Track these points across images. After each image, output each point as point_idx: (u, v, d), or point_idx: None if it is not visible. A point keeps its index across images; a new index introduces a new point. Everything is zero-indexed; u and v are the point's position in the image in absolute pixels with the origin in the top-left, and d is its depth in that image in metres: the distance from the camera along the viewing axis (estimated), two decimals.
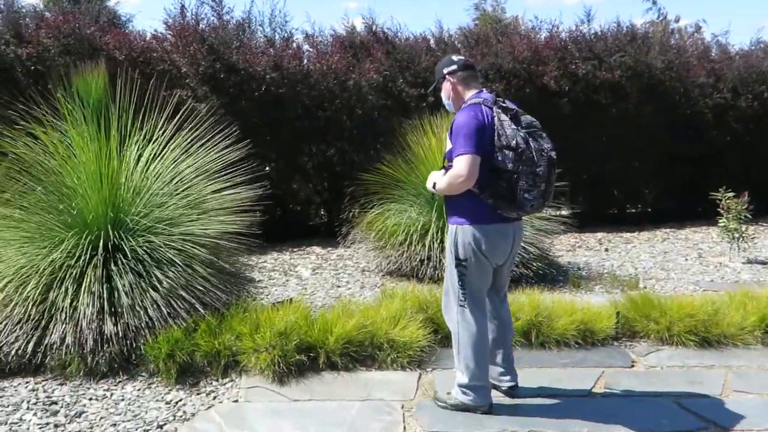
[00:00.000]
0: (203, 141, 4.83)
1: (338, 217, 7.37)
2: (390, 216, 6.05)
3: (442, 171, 3.22)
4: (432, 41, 9.45)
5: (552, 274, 6.06)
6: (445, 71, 3.26)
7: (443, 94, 3.32)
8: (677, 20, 18.99)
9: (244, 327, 3.72)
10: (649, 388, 3.61)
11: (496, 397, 3.38)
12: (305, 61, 8.39)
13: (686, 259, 7.02)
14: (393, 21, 11.96)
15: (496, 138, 3.00)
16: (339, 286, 5.78)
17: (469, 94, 3.21)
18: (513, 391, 3.43)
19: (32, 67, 7.06)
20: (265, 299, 5.29)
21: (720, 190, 6.87)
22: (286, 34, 8.98)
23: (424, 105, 8.12)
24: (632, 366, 3.93)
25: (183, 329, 3.70)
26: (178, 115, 4.88)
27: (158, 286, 3.82)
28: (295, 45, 8.70)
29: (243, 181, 4.90)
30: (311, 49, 9.06)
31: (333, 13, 29.62)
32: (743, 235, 6.79)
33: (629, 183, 10.02)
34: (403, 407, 3.36)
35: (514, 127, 3.04)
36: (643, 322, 4.30)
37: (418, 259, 5.72)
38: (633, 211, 10.65)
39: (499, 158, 2.99)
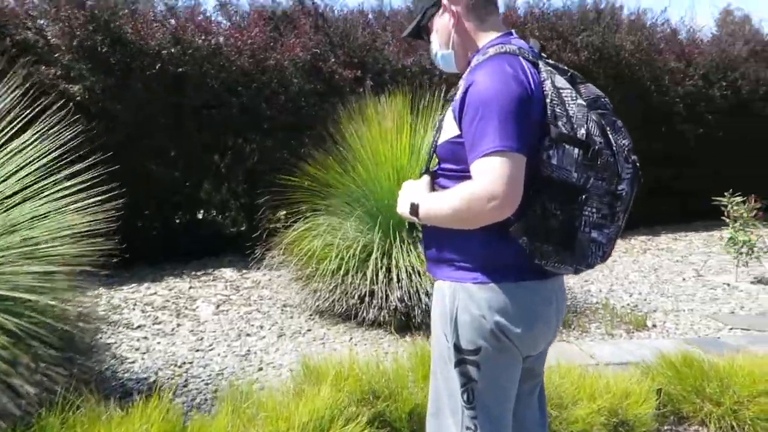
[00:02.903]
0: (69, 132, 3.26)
1: (256, 230, 5.78)
2: (319, 234, 4.48)
3: (425, 180, 1.72)
4: (371, 15, 7.97)
5: None
6: None
7: (437, 38, 1.78)
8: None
9: None
10: None
11: None
12: (216, 35, 6.72)
13: (684, 279, 5.74)
14: None
15: (549, 120, 1.53)
16: (249, 335, 4.19)
17: (488, 38, 1.70)
18: None
19: None
20: (139, 363, 3.68)
21: (726, 194, 5.58)
22: (192, 1, 7.28)
23: (362, 90, 6.62)
24: None
25: None
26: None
27: None
28: (203, 15, 7.02)
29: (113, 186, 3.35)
30: (224, 21, 7.44)
31: None
32: (753, 249, 5.53)
33: None
34: None
35: (581, 102, 1.57)
36: (695, 402, 2.91)
37: (356, 296, 4.18)
38: None
39: (554, 161, 1.51)
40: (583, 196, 1.52)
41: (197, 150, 6.68)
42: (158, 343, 4.04)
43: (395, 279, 4.10)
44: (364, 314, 4.17)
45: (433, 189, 1.70)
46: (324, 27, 7.04)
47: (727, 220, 5.59)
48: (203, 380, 3.42)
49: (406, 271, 4.09)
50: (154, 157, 6.55)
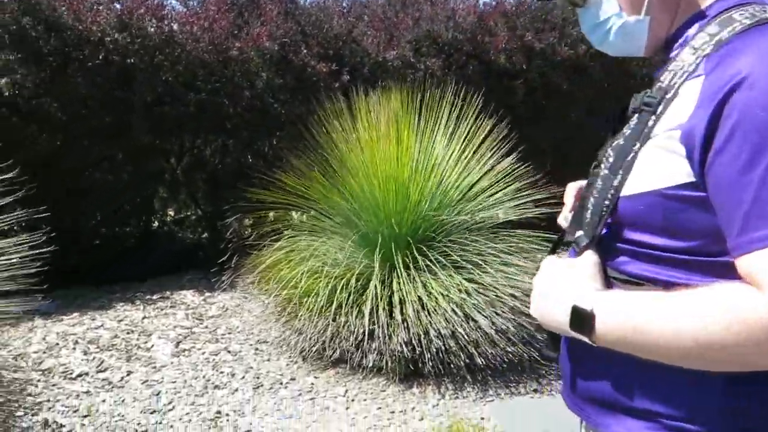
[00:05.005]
0: None
1: (222, 245, 4.89)
2: (302, 259, 3.70)
3: (590, 261, 0.92)
4: (346, 3, 7.18)
5: None
6: None
7: None
8: None
9: None
10: None
11: None
12: (168, 20, 5.84)
13: None
14: None
15: None
16: (217, 387, 3.39)
17: None
18: None
19: None
20: None
21: None
22: None
23: (337, 85, 5.84)
24: None
25: None
26: None
27: None
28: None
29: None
30: (179, 6, 6.55)
31: None
32: None
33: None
34: None
35: None
36: None
37: (351, 338, 3.41)
38: None
39: None
40: None
41: (146, 154, 5.83)
42: (103, 401, 3.22)
43: (399, 317, 3.34)
44: (360, 359, 3.41)
45: (606, 280, 0.93)
46: (295, 14, 6.23)
47: None
48: None
49: (413, 307, 3.34)
50: (97, 162, 5.70)
